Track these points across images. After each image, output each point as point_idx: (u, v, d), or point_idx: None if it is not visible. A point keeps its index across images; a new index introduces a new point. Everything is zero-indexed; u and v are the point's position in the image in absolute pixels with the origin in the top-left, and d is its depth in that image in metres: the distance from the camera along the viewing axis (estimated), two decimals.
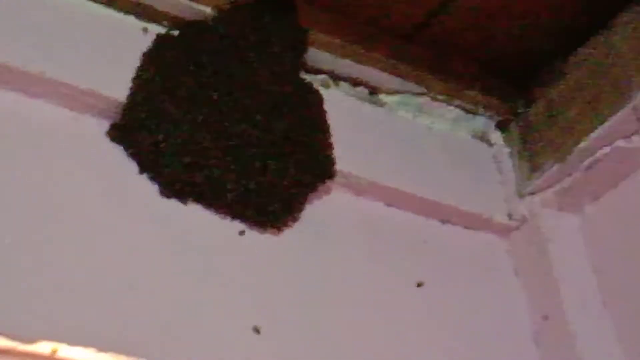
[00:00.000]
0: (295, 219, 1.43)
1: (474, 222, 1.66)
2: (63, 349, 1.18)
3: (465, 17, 1.62)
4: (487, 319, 1.60)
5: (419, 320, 1.51)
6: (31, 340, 1.15)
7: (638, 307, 1.57)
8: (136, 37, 1.42)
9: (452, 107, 1.71)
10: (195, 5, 1.44)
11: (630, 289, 1.60)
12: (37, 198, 1.26)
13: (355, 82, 1.63)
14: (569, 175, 1.62)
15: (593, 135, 1.56)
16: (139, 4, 1.43)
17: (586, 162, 1.59)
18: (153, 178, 1.36)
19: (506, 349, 1.59)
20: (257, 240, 1.41)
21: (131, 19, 1.43)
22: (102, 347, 1.20)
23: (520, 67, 1.75)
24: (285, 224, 1.43)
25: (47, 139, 1.32)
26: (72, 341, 1.18)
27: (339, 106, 1.55)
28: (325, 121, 1.50)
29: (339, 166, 1.45)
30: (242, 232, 1.38)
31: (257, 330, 1.31)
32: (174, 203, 1.36)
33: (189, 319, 1.29)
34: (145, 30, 1.45)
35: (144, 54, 1.39)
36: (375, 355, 1.40)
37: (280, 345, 1.33)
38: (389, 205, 1.58)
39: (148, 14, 1.44)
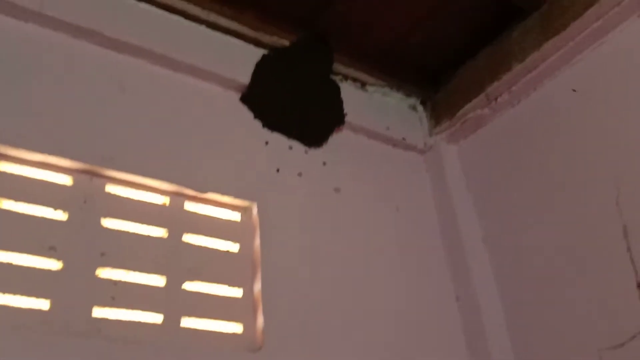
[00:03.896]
0: (326, 141, 1.72)
1: (408, 147, 1.91)
2: (217, 197, 1.45)
3: (413, 49, 1.82)
4: (410, 196, 1.84)
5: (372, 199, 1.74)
6: (204, 191, 1.43)
7: (485, 184, 1.80)
8: (254, 54, 1.66)
9: (399, 93, 1.95)
10: (280, 40, 1.69)
11: (478, 174, 1.83)
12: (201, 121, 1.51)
13: (354, 79, 1.86)
14: (453, 126, 1.87)
15: (466, 107, 1.82)
16: (257, 40, 1.66)
17: (462, 120, 1.84)
18: (260, 120, 1.62)
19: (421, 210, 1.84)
20: (309, 150, 1.69)
21: (251, 46, 1.67)
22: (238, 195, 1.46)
23: (433, 73, 1.92)
24: (322, 143, 1.71)
25: (211, 103, 1.57)
26: (222, 193, 1.45)
27: (347, 91, 1.81)
28: (340, 97, 1.76)
29: (346, 118, 1.76)
30: (306, 151, 1.67)
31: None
32: (269, 132, 1.63)
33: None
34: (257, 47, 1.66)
35: (257, 63, 1.65)
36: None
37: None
38: (369, 138, 1.84)
39: (259, 43, 1.68)
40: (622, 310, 1.38)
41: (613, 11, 1.49)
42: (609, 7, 1.49)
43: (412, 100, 1.98)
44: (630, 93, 1.48)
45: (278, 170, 1.60)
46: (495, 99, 1.76)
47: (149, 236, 1.34)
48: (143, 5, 1.53)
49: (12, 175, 1.24)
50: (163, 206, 1.40)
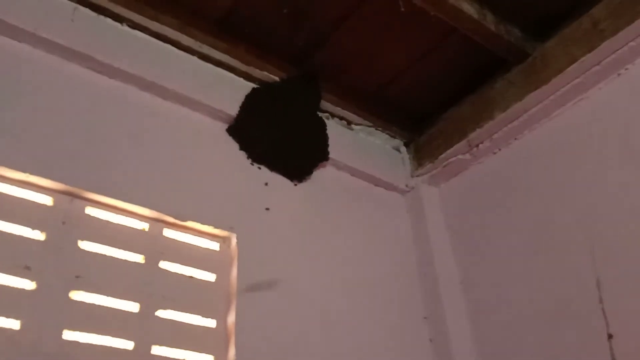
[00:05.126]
0: (309, 176, 1.71)
1: (389, 187, 1.91)
2: (197, 225, 1.43)
3: (400, 93, 1.83)
4: (390, 235, 1.83)
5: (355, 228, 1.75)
6: (184, 219, 1.42)
7: (464, 227, 1.80)
8: (243, 88, 1.67)
9: (384, 133, 1.95)
10: (270, 75, 1.69)
11: (457, 217, 1.84)
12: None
13: (341, 118, 1.87)
14: (435, 169, 1.88)
15: (448, 152, 1.82)
16: (248, 74, 1.67)
17: (443, 163, 1.85)
18: (245, 152, 1.62)
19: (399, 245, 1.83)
20: (292, 184, 1.68)
21: (242, 79, 1.68)
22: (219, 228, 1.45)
23: (417, 117, 1.93)
24: (305, 178, 1.70)
25: (198, 132, 1.57)
26: (202, 222, 1.44)
27: (333, 128, 1.81)
28: (326, 134, 1.75)
29: (330, 155, 1.74)
30: (295, 184, 1.67)
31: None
32: (253, 164, 1.63)
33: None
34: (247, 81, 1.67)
35: (246, 96, 1.65)
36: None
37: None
38: (352, 175, 1.84)
39: (249, 77, 1.68)
40: None
41: (594, 69, 1.51)
42: (590, 65, 1.51)
43: (396, 142, 1.99)
44: (607, 148, 1.50)
45: (260, 203, 1.59)
46: (477, 145, 1.77)
47: (125, 261, 1.32)
48: (137, 33, 1.53)
49: None
50: (142, 232, 1.38)
